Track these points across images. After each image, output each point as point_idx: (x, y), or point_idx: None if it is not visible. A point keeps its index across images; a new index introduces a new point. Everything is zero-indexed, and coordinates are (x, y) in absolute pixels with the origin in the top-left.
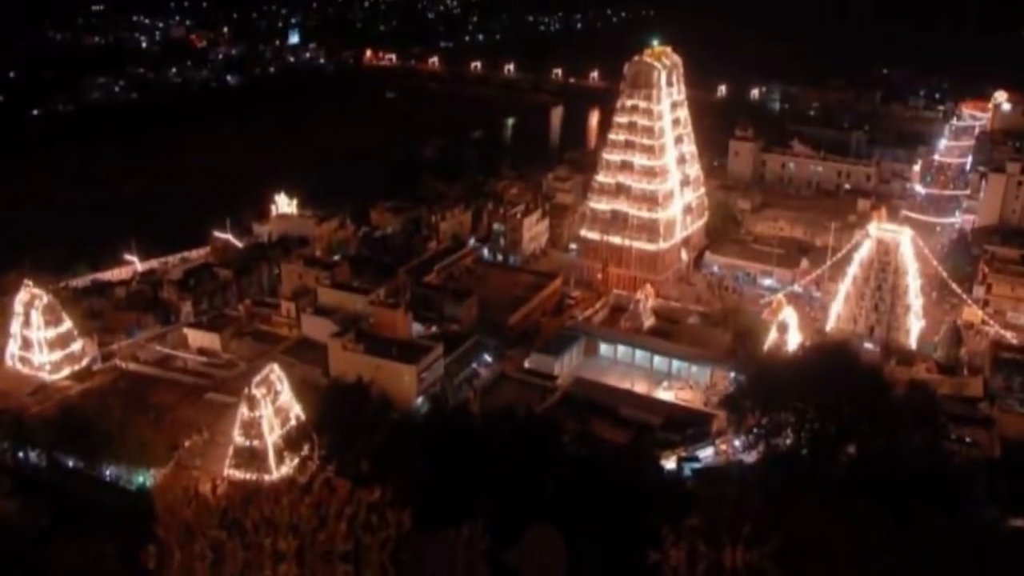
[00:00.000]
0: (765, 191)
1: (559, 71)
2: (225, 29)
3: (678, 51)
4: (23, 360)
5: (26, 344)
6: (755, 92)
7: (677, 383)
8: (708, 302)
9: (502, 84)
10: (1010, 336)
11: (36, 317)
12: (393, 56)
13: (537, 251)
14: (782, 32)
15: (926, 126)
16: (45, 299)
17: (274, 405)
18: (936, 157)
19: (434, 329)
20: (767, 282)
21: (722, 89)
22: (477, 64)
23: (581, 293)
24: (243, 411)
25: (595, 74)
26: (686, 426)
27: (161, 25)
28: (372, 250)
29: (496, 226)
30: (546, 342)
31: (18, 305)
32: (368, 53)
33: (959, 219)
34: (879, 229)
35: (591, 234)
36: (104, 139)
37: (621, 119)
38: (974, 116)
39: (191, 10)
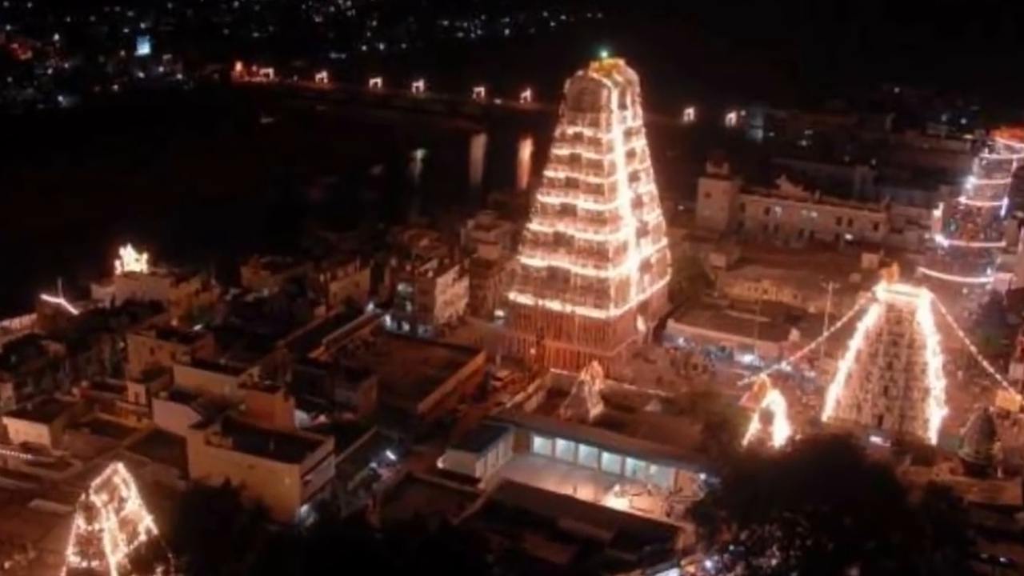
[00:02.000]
0: (744, 243)
1: (481, 90)
2: (56, 37)
3: (633, 64)
4: None
5: None
6: (731, 116)
7: (632, 487)
8: (672, 384)
9: (409, 106)
10: None
11: None
12: (270, 71)
13: (454, 319)
14: (766, 40)
15: (949, 160)
16: None
17: (119, 515)
18: (962, 199)
19: (322, 419)
20: (747, 359)
21: (690, 113)
22: (377, 81)
23: (510, 373)
24: (79, 523)
25: (527, 94)
26: (643, 542)
27: None
28: (243, 318)
29: (402, 287)
30: (465, 435)
31: None
32: (238, 67)
33: (991, 278)
34: (890, 291)
35: (523, 298)
36: None
37: (561, 151)
38: (1010, 147)
39: (12, 13)
